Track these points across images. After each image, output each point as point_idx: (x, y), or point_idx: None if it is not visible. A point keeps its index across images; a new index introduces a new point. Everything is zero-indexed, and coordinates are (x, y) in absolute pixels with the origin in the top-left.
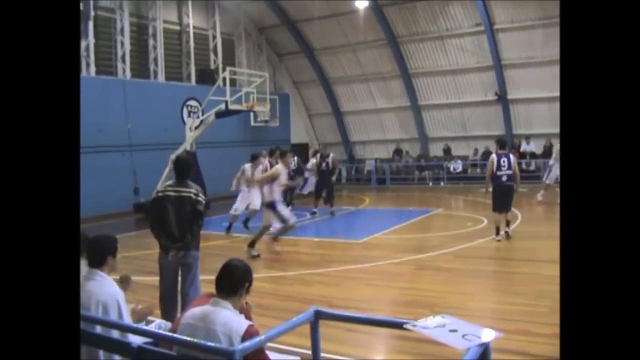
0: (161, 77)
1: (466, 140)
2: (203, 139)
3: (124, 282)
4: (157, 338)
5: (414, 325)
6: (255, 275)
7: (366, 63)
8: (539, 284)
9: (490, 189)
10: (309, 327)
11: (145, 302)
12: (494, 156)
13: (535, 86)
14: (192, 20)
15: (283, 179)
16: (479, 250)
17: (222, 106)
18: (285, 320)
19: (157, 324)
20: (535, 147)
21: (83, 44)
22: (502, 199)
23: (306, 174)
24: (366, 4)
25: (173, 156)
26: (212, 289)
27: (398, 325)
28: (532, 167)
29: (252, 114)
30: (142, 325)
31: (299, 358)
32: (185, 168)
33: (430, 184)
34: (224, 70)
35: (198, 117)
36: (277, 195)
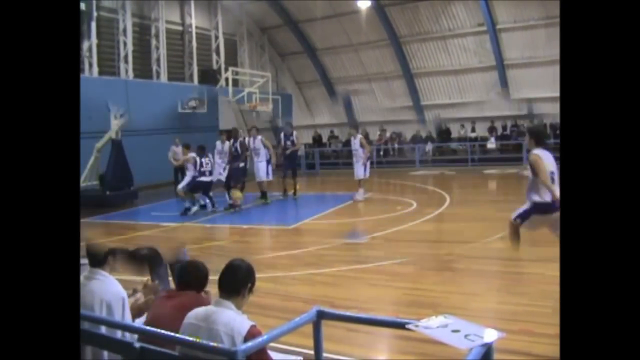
0: (164, 78)
1: (395, 124)
2: (129, 126)
3: (147, 290)
4: (158, 338)
5: (417, 326)
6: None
7: (368, 63)
8: (541, 284)
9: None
10: (309, 327)
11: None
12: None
13: (538, 86)
14: (195, 20)
15: None
16: (407, 234)
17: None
18: (285, 320)
19: None
20: None
21: (85, 45)
22: None
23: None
24: (368, 3)
25: (98, 144)
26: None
27: (401, 326)
28: None
29: (179, 102)
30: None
31: (301, 358)
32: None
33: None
34: (226, 70)
35: None
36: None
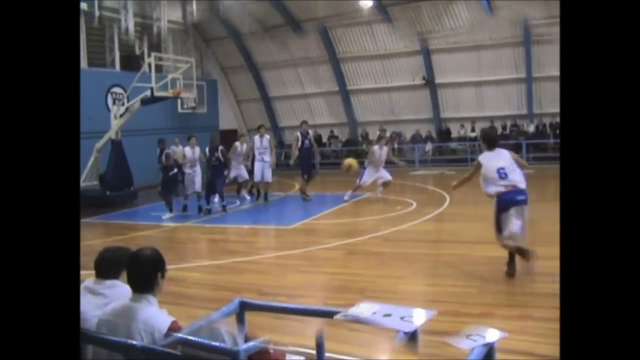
0: (83, 63)
1: (395, 124)
2: (129, 126)
3: None
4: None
5: (345, 316)
6: (183, 265)
7: (294, 48)
8: (467, 265)
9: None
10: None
11: None
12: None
13: (462, 71)
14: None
15: None
16: (409, 234)
17: (148, 93)
18: (214, 311)
19: None
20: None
21: None
22: None
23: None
24: None
25: (98, 145)
26: None
27: (328, 315)
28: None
29: (179, 101)
30: None
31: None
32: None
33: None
34: (149, 56)
35: (123, 104)
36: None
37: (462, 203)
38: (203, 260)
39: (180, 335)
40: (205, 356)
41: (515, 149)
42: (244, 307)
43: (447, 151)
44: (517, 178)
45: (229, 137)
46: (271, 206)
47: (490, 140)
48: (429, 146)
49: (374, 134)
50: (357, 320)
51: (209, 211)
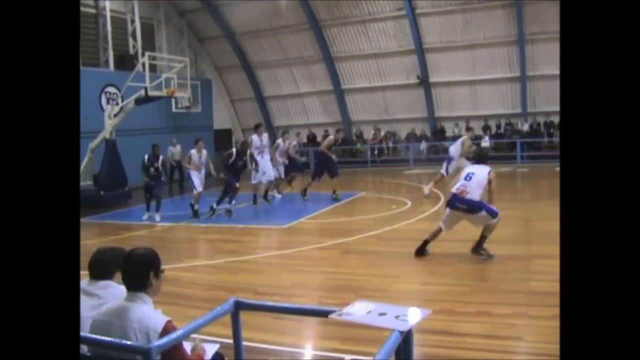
0: None
1: (389, 123)
2: (123, 126)
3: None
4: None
5: (339, 314)
6: (178, 265)
7: (288, 47)
8: (462, 264)
9: None
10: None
11: None
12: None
13: (457, 69)
14: (109, 3)
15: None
16: (404, 232)
17: (142, 92)
18: (210, 310)
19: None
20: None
21: None
22: None
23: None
24: None
25: (92, 145)
26: None
27: (323, 314)
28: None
29: (173, 100)
30: None
31: (218, 345)
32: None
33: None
34: (143, 55)
35: (117, 104)
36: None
37: None
38: (198, 260)
39: (175, 335)
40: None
41: (510, 147)
42: (239, 307)
43: (441, 150)
44: (471, 188)
45: (224, 137)
46: (268, 205)
47: (481, 158)
48: (423, 145)
49: (368, 133)
50: (352, 319)
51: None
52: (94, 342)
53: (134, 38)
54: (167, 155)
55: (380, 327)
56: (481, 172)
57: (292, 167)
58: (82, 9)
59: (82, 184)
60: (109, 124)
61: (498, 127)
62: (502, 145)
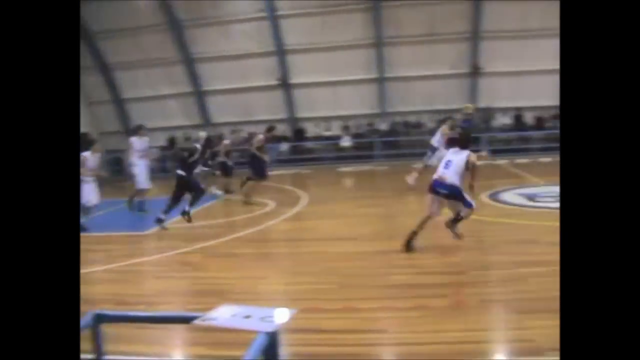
0: None
1: (250, 124)
2: None
3: None
4: None
5: (203, 320)
6: None
7: (148, 48)
8: (327, 262)
9: None
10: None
11: None
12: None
13: (317, 71)
14: None
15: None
16: (268, 233)
17: None
18: None
19: None
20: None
21: None
22: None
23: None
24: None
25: None
26: None
27: (187, 321)
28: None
29: None
30: None
31: None
32: None
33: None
34: None
35: None
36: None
37: (318, 202)
38: None
39: None
40: None
41: (369, 146)
42: (99, 320)
43: (303, 150)
44: (450, 174)
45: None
46: (135, 212)
47: (463, 140)
48: (284, 146)
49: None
50: (217, 324)
51: None
52: None
53: None
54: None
55: (245, 330)
56: (459, 158)
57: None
58: None
59: None
60: None
61: (358, 127)
62: (361, 145)
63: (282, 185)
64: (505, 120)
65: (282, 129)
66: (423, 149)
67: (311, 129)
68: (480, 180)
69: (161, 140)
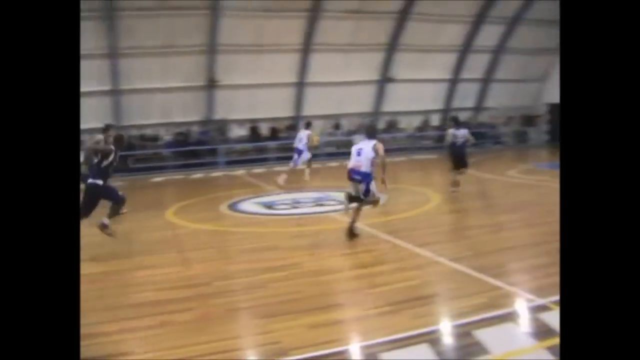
0: None
1: None
2: None
3: None
4: None
5: None
6: None
7: None
8: None
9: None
10: None
11: None
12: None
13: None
14: None
15: None
16: None
17: None
18: None
19: None
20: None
21: None
22: None
23: None
24: None
25: None
26: None
27: None
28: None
29: None
30: None
31: None
32: None
33: None
34: None
35: None
36: None
37: None
38: None
39: None
40: None
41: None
42: None
43: None
44: (363, 162)
45: None
46: None
47: (370, 131)
48: None
49: None
50: None
51: None
52: None
53: None
54: None
55: None
56: (367, 146)
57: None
58: None
59: None
60: None
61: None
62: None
63: None
64: (241, 131)
65: None
66: (160, 162)
67: None
68: (224, 190)
69: None
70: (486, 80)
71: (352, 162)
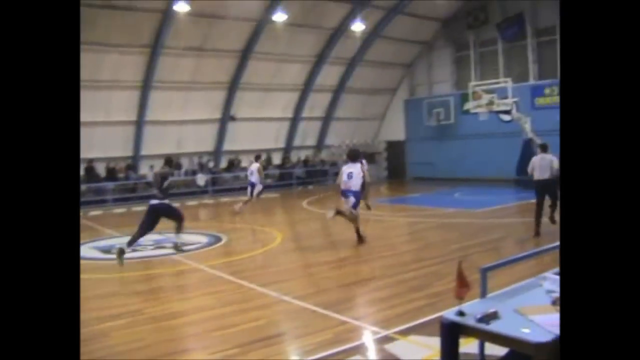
0: None
1: None
2: None
3: None
4: None
5: None
6: None
7: None
8: None
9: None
10: None
11: None
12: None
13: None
14: None
15: None
16: None
17: None
18: None
19: None
20: None
21: None
22: None
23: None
24: None
25: None
26: None
27: None
28: None
29: None
30: None
31: None
32: None
33: None
34: None
35: None
36: None
37: None
38: None
39: None
40: None
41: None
42: None
43: None
44: (353, 183)
45: None
46: None
47: (351, 155)
48: None
49: None
50: None
51: None
52: None
53: None
54: None
55: None
56: (356, 169)
57: None
58: None
59: None
60: None
61: None
62: None
63: None
64: None
65: None
66: None
67: None
68: None
69: None
70: (327, 119)
71: (344, 185)
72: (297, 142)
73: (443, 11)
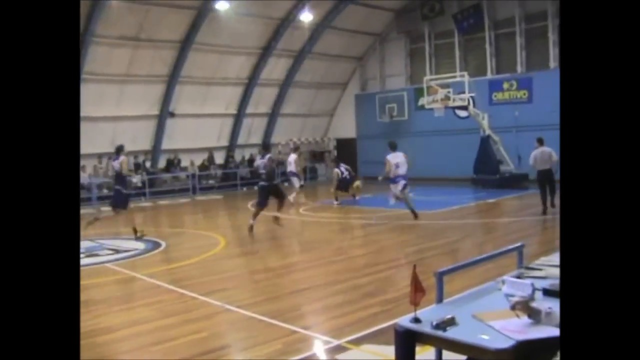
0: None
1: None
2: None
3: None
4: None
5: None
6: None
7: None
8: None
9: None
10: None
11: None
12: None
13: None
14: None
15: None
16: None
17: None
18: None
19: None
20: None
21: None
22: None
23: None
24: None
25: None
26: None
27: None
28: None
29: None
30: None
31: None
32: None
33: None
34: None
35: None
36: None
37: None
38: None
39: None
40: None
41: None
42: None
43: None
44: (403, 170)
45: None
46: None
47: (391, 146)
48: None
49: None
50: None
51: None
52: None
53: None
54: None
55: None
56: (402, 156)
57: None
58: None
59: None
60: None
61: None
62: None
63: None
64: None
65: None
66: None
67: None
68: None
69: None
70: (273, 115)
71: (393, 173)
72: (241, 140)
73: (397, 1)
